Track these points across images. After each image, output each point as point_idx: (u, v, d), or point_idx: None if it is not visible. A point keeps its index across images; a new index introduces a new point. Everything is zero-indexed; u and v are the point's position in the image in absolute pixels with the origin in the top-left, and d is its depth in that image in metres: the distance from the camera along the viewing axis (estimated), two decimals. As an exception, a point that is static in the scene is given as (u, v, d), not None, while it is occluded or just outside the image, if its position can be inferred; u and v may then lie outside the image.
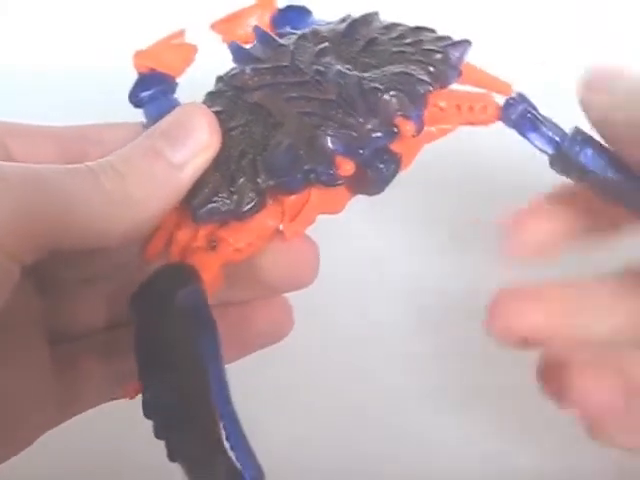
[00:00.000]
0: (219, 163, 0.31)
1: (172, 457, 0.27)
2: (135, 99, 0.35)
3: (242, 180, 0.31)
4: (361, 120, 0.31)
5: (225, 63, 0.35)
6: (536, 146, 0.33)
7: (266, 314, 0.34)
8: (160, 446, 0.27)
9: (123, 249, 0.33)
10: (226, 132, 0.32)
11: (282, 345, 0.35)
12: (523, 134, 0.33)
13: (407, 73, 0.32)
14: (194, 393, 0.28)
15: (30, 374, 0.31)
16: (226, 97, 0.33)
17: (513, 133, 0.33)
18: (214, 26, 0.37)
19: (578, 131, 0.32)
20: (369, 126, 0.31)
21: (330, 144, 0.30)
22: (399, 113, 0.31)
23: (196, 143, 0.30)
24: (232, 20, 0.37)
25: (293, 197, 0.31)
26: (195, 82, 0.36)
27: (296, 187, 0.31)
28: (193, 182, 0.31)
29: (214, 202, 0.31)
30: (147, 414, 0.27)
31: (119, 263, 0.33)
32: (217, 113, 0.32)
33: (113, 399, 0.33)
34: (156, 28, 0.37)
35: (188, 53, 0.36)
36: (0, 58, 0.52)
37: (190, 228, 0.32)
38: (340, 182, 0.31)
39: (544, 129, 0.32)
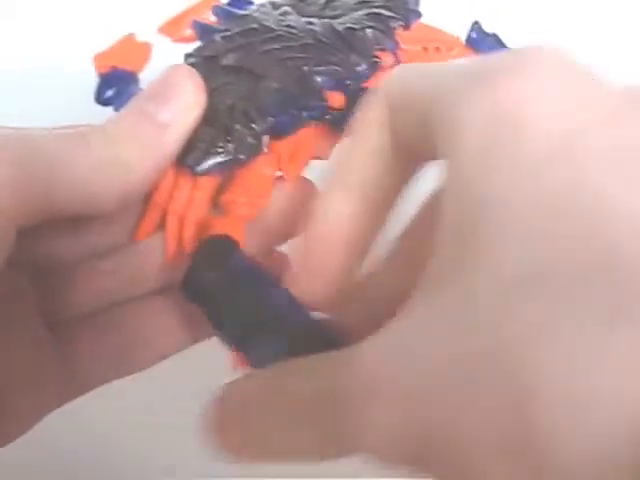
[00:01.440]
0: (209, 120, 0.31)
1: None
2: (101, 99, 0.35)
3: (238, 127, 0.31)
4: (342, 56, 0.32)
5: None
6: None
7: None
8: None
9: (112, 225, 0.32)
10: (210, 93, 0.32)
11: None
12: None
13: (375, 13, 0.33)
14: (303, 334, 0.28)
15: (28, 357, 0.29)
16: (201, 67, 0.33)
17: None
18: (161, 29, 0.38)
19: None
20: (352, 60, 0.32)
21: (319, 80, 0.31)
22: (377, 47, 0.32)
23: (182, 101, 0.30)
24: (178, 21, 0.38)
25: (286, 141, 0.32)
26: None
27: (290, 127, 0.32)
28: (181, 142, 0.31)
29: (213, 153, 0.31)
30: None
31: (109, 242, 0.32)
32: None
33: (116, 378, 0.32)
34: (109, 32, 0.37)
35: (144, 51, 0.37)
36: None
37: (186, 193, 0.31)
38: (330, 116, 0.31)
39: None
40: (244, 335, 0.28)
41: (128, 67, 0.36)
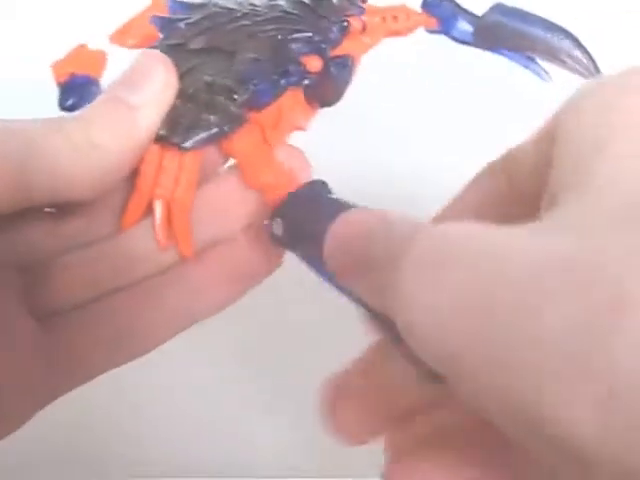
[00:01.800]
0: (187, 99, 0.31)
1: None
2: (66, 106, 0.34)
3: (219, 100, 0.31)
4: (313, 23, 0.32)
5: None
6: (457, 38, 0.36)
7: None
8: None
9: (97, 214, 0.32)
10: (183, 75, 0.32)
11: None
12: (448, 27, 0.35)
13: None
14: None
15: (16, 352, 0.29)
16: (170, 55, 0.33)
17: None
18: (112, 38, 0.38)
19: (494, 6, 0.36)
20: (323, 25, 0.32)
21: (294, 46, 0.32)
22: (346, 12, 0.33)
23: (153, 83, 0.31)
24: (127, 29, 0.38)
25: (266, 111, 0.32)
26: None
27: (271, 93, 0.32)
28: (157, 123, 0.31)
29: (197, 127, 0.31)
30: None
31: (94, 232, 0.32)
32: None
33: (110, 368, 0.31)
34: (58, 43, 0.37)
35: (99, 58, 0.36)
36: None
37: (171, 174, 0.31)
38: (309, 81, 0.32)
39: (465, 12, 0.35)
40: None
41: (87, 72, 0.35)
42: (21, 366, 0.29)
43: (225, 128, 0.31)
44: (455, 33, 0.36)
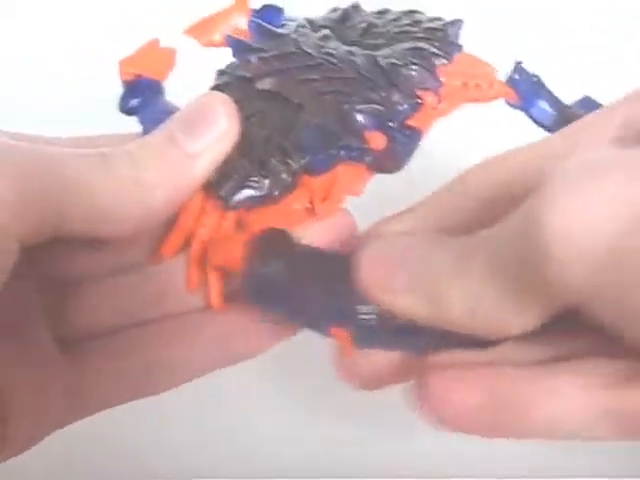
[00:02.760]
0: (243, 150, 0.31)
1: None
2: (126, 107, 0.34)
3: (273, 162, 0.30)
4: (384, 94, 0.31)
5: (206, 65, 0.35)
6: (535, 118, 0.34)
7: None
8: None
9: (130, 245, 0.32)
10: (244, 120, 0.31)
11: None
12: (529, 104, 0.34)
13: (419, 48, 0.32)
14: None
15: (32, 373, 0.29)
16: (234, 88, 0.32)
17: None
18: (188, 31, 0.36)
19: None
20: (394, 99, 0.31)
21: (360, 119, 0.30)
22: (420, 85, 0.31)
23: (214, 131, 0.30)
24: (207, 24, 0.36)
25: (320, 178, 0.31)
26: (180, 86, 0.35)
27: (326, 165, 0.31)
28: (210, 171, 0.30)
29: (247, 187, 0.30)
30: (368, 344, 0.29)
31: (126, 261, 0.32)
32: None
33: (128, 401, 0.31)
34: (131, 37, 0.36)
35: (169, 57, 0.35)
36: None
37: (215, 219, 0.31)
38: (369, 158, 0.31)
39: (549, 94, 0.33)
40: (342, 310, 0.28)
41: (153, 75, 0.35)
42: (38, 389, 0.29)
43: (274, 193, 0.30)
44: (535, 114, 0.34)
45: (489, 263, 0.24)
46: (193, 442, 0.46)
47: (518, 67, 0.34)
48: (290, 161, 0.30)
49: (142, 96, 0.34)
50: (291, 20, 0.36)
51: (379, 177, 0.33)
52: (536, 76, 0.34)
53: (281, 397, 0.48)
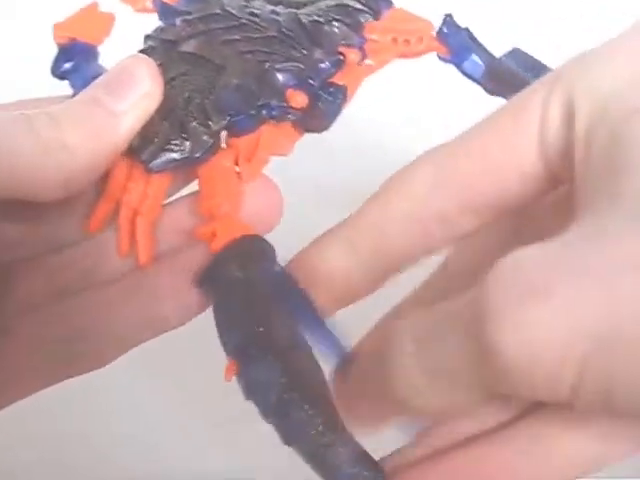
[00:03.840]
0: (165, 113, 0.30)
1: (287, 441, 0.26)
2: (58, 71, 0.34)
3: (193, 124, 0.30)
4: (306, 52, 0.31)
5: (144, 30, 0.35)
6: (466, 72, 0.34)
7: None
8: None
9: (63, 220, 0.32)
10: (167, 83, 0.31)
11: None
12: (460, 58, 0.33)
13: (343, 4, 0.32)
14: (304, 369, 0.27)
15: None
16: (159, 52, 0.32)
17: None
18: None
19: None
20: (315, 56, 0.31)
21: (280, 77, 0.30)
22: (343, 42, 0.31)
23: (138, 92, 0.30)
24: None
25: (245, 138, 0.31)
26: (116, 52, 0.35)
27: (249, 125, 0.31)
28: (134, 132, 0.30)
29: (167, 150, 0.30)
30: (249, 396, 0.26)
31: (67, 236, 0.32)
32: None
33: (63, 379, 0.31)
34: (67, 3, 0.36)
35: (106, 22, 0.35)
36: None
37: (140, 185, 0.31)
38: (292, 116, 0.31)
39: (479, 47, 0.33)
40: (242, 348, 0.27)
41: (88, 39, 0.35)
42: None
43: (195, 155, 0.30)
44: (466, 67, 0.34)
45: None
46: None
47: (448, 21, 0.33)
48: (210, 122, 0.30)
49: (75, 60, 0.34)
50: None
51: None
52: (466, 29, 0.33)
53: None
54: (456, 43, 0.33)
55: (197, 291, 0.30)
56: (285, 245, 0.30)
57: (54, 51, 0.35)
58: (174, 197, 0.33)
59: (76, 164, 0.28)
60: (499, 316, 0.21)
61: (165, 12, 0.33)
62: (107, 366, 0.31)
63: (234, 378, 0.27)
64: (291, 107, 0.30)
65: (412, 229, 0.28)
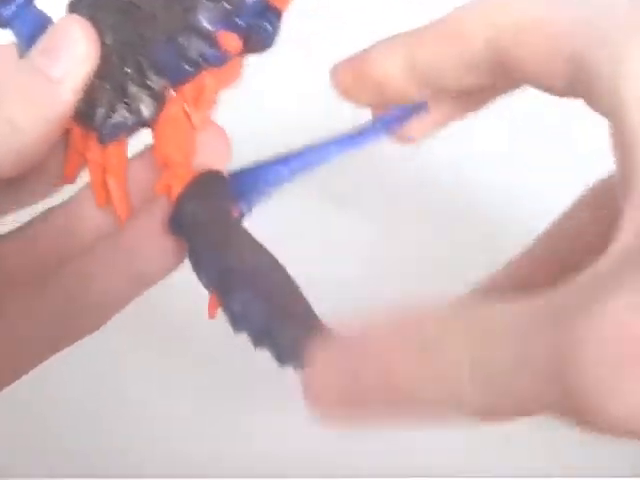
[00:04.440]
0: (105, 75, 0.30)
1: (282, 360, 0.27)
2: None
3: (134, 88, 0.30)
4: None
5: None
6: None
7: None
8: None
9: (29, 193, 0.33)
10: (102, 39, 0.30)
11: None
12: None
13: None
14: (283, 287, 0.28)
15: None
16: (90, 2, 0.31)
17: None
18: None
19: None
20: None
21: (208, 24, 0.29)
22: None
23: (74, 55, 0.29)
24: None
25: (189, 84, 0.31)
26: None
27: (191, 75, 0.30)
28: (77, 97, 0.29)
29: (114, 118, 0.30)
30: (238, 328, 0.27)
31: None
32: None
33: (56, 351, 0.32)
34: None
35: None
36: None
37: (100, 147, 0.31)
38: (231, 58, 0.30)
39: None
40: (221, 282, 0.28)
41: None
42: None
43: (143, 119, 0.30)
44: None
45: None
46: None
47: None
48: (150, 83, 0.30)
49: (12, 5, 0.33)
50: None
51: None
52: None
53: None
54: None
55: (171, 238, 0.30)
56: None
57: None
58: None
59: (20, 138, 0.29)
60: (599, 383, 0.18)
61: None
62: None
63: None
64: (226, 51, 0.29)
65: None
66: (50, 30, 0.30)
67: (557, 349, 0.19)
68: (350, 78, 0.30)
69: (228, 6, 0.29)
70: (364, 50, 0.30)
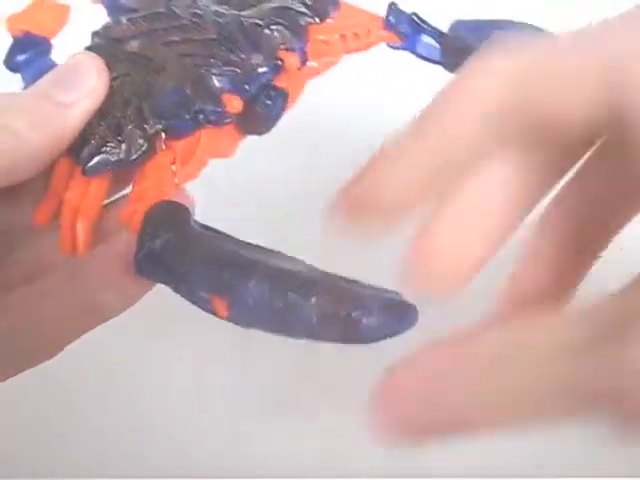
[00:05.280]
0: (104, 114, 0.31)
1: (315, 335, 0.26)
2: (11, 64, 0.34)
3: (130, 127, 0.30)
4: (244, 56, 0.30)
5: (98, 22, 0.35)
6: (422, 55, 0.34)
7: None
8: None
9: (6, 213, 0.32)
10: (109, 83, 0.31)
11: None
12: (412, 43, 0.34)
13: (285, 7, 0.32)
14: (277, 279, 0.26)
15: None
16: (104, 50, 0.32)
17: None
18: None
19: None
20: (253, 61, 0.31)
21: (216, 82, 0.30)
22: (282, 46, 0.31)
23: (84, 86, 0.30)
24: None
25: (183, 141, 0.31)
26: (70, 43, 0.35)
27: (185, 130, 0.31)
28: (80, 126, 0.30)
29: (103, 152, 0.30)
30: (251, 322, 0.26)
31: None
32: None
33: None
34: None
35: (62, 14, 0.35)
36: None
37: (80, 185, 0.31)
38: (229, 120, 0.31)
39: (429, 29, 0.33)
40: (224, 282, 0.27)
41: (42, 32, 0.35)
42: None
43: (130, 159, 0.30)
44: (421, 50, 0.34)
45: None
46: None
47: (393, 9, 0.33)
48: (146, 126, 0.30)
49: (28, 53, 0.34)
50: None
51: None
52: (413, 14, 0.33)
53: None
54: (405, 29, 0.33)
55: (132, 276, 0.29)
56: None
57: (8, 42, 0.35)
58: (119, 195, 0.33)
59: (20, 150, 0.29)
60: None
61: (113, 8, 0.33)
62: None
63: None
64: (227, 112, 0.30)
65: None
66: (63, 63, 0.31)
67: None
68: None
69: (239, 71, 0.30)
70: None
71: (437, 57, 0.34)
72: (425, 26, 0.34)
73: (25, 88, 0.33)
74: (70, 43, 0.35)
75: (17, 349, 0.31)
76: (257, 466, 0.45)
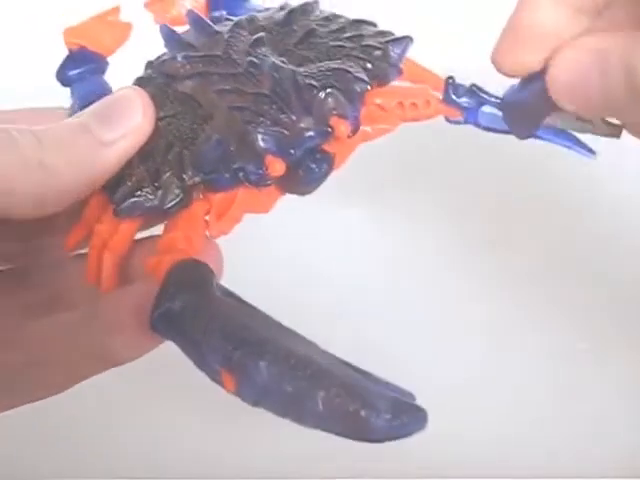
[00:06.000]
0: (145, 156, 0.30)
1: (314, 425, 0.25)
2: (63, 77, 0.34)
3: (167, 175, 0.29)
4: (294, 118, 0.29)
5: (156, 45, 0.34)
6: (484, 126, 0.33)
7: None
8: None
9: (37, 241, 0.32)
10: (157, 121, 0.30)
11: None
12: (473, 116, 0.32)
13: (344, 70, 0.30)
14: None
15: None
16: (156, 84, 0.31)
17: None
18: (148, 4, 0.36)
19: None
20: (302, 125, 0.29)
21: (261, 142, 0.29)
22: (334, 112, 0.30)
23: (128, 124, 0.29)
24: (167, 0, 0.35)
25: (220, 195, 0.30)
26: (126, 63, 0.34)
27: (223, 185, 0.30)
28: (119, 164, 0.29)
29: (137, 197, 0.30)
30: (261, 401, 0.25)
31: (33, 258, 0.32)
32: None
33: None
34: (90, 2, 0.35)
35: (122, 32, 0.35)
36: None
37: (111, 222, 0.30)
38: (269, 182, 0.30)
39: (488, 97, 0.32)
40: (235, 359, 0.26)
41: (99, 49, 0.34)
42: None
43: (164, 207, 0.30)
44: (484, 122, 0.33)
45: None
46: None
47: (452, 84, 0.32)
48: (185, 176, 0.29)
49: (81, 68, 0.33)
50: (254, 9, 0.34)
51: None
52: (473, 84, 0.32)
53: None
54: (466, 102, 0.32)
55: (145, 329, 0.28)
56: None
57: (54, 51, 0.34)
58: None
59: (52, 184, 0.28)
60: None
61: (171, 40, 0.32)
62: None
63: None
64: (268, 174, 0.29)
65: None
66: (110, 95, 0.30)
67: None
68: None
69: (287, 132, 0.29)
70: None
71: (500, 126, 0.33)
72: (486, 96, 0.32)
73: (72, 105, 0.33)
74: (122, 62, 0.34)
75: (27, 381, 0.31)
76: (255, 466, 0.45)
